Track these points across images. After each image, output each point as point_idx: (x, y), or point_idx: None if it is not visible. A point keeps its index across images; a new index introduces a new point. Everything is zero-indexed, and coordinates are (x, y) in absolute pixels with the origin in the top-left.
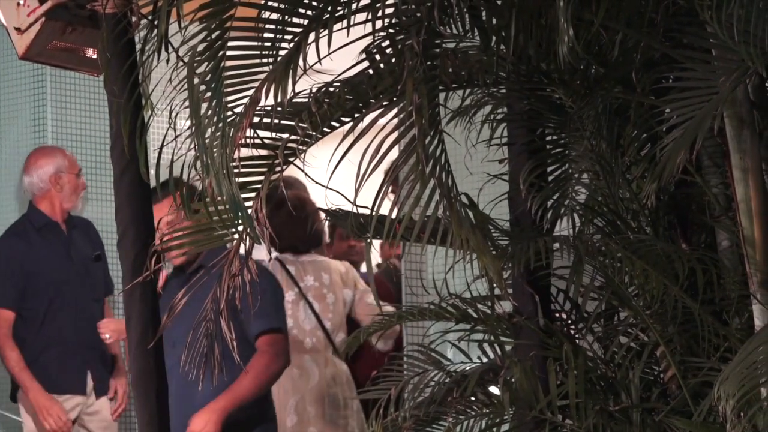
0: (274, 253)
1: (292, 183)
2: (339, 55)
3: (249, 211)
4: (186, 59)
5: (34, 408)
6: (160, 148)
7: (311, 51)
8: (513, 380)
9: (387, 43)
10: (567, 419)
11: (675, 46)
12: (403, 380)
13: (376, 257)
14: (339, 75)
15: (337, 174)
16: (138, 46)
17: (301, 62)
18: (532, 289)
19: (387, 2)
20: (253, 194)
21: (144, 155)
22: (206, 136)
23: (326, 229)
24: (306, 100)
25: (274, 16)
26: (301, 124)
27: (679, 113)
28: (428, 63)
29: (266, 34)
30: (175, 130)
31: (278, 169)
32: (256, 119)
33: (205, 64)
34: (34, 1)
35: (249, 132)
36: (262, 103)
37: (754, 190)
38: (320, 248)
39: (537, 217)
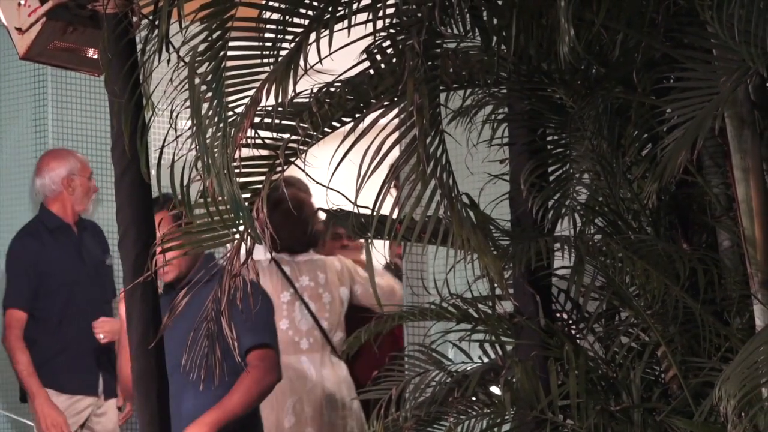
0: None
1: (293, 183)
2: (340, 55)
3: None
4: (187, 59)
5: (38, 415)
6: (161, 149)
7: (312, 51)
8: (514, 380)
9: (388, 43)
10: (568, 419)
11: (676, 46)
12: (404, 380)
13: (381, 258)
14: (340, 75)
15: (338, 174)
16: (139, 47)
17: (302, 62)
18: (533, 289)
19: (388, 2)
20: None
21: (145, 155)
22: (207, 136)
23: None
24: (307, 100)
25: (275, 16)
26: (302, 125)
27: (680, 113)
28: (429, 63)
29: (267, 35)
30: (176, 131)
31: (279, 169)
32: (257, 119)
33: (206, 64)
34: (35, 1)
35: (250, 132)
36: (263, 103)
37: (755, 190)
38: (317, 247)
39: (538, 217)
